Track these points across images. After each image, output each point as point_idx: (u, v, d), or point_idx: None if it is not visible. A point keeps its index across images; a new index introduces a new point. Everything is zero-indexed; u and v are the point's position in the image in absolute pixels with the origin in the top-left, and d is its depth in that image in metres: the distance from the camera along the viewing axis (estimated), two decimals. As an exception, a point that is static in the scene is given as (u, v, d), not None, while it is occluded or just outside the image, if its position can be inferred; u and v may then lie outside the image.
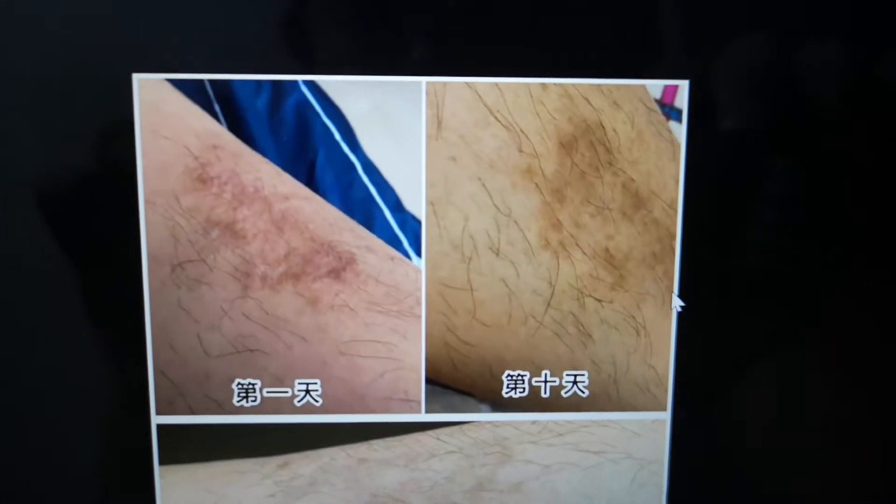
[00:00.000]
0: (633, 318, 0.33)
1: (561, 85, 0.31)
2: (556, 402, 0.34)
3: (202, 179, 0.31)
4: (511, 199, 0.32)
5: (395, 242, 0.32)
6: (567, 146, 0.32)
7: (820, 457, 0.36)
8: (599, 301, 0.33)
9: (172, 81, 0.30)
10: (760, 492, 0.36)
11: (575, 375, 0.34)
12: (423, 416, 0.33)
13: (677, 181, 0.32)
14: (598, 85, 0.31)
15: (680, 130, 0.32)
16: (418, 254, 0.32)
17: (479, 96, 0.31)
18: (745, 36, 0.32)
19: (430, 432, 0.34)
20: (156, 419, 0.32)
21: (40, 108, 0.30)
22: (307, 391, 0.33)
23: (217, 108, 0.31)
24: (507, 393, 0.34)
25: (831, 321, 0.35)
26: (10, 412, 0.33)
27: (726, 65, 0.32)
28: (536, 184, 0.32)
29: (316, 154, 0.31)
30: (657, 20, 0.31)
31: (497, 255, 0.32)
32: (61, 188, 0.31)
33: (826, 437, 0.36)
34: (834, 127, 0.33)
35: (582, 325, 0.33)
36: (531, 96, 0.31)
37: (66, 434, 0.33)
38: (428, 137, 0.31)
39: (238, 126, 0.31)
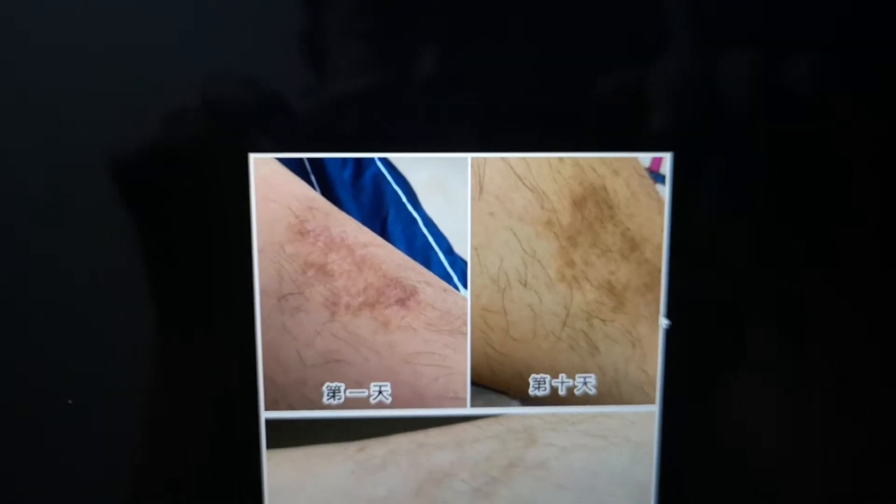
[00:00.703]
0: (630, 333, 0.35)
1: (573, 157, 0.34)
2: (570, 399, 0.36)
3: (301, 232, 0.34)
4: (535, 244, 0.34)
5: (447, 278, 0.34)
6: (578, 204, 0.34)
7: (787, 439, 0.37)
8: (604, 321, 0.35)
9: (279, 159, 0.33)
10: (736, 468, 0.37)
11: (585, 378, 0.36)
12: (468, 410, 0.35)
13: (662, 230, 0.35)
14: (601, 157, 0.34)
15: (664, 191, 0.34)
16: (465, 286, 0.34)
17: (511, 167, 0.34)
18: (717, 118, 0.34)
19: (473, 423, 0.36)
20: (264, 414, 0.35)
21: (178, 178, 0.33)
22: (380, 392, 0.35)
23: (313, 178, 0.33)
24: (532, 392, 0.36)
25: (792, 337, 0.36)
26: (154, 410, 0.35)
27: (700, 142, 0.34)
28: (555, 233, 0.34)
29: (387, 212, 0.34)
30: (647, 109, 0.34)
31: (525, 286, 0.35)
32: (195, 241, 0.34)
33: (790, 421, 0.37)
34: (790, 183, 0.35)
35: (590, 340, 0.35)
36: (550, 166, 0.34)
37: (196, 427, 0.36)
38: (472, 199, 0.34)
39: (329, 192, 0.34)
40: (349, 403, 0.35)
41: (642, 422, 0.36)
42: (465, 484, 0.36)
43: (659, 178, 0.34)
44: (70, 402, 0.35)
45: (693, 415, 0.37)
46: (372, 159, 0.34)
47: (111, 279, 0.34)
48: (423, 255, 0.34)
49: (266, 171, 0.33)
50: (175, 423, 0.36)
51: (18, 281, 0.34)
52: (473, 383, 0.35)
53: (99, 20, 0.32)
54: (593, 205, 0.34)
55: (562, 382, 0.36)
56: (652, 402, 0.36)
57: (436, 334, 0.35)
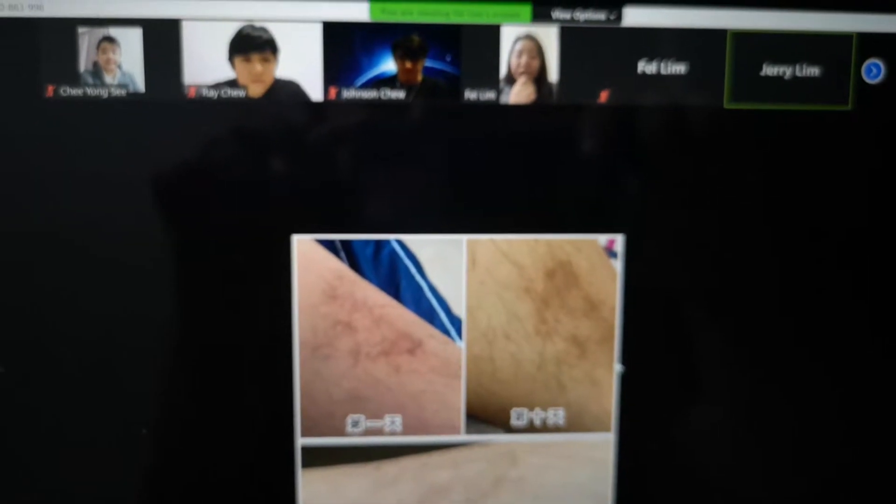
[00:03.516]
0: (591, 376, 0.39)
1: (546, 239, 0.38)
2: (544, 428, 0.39)
3: (332, 296, 0.38)
4: (517, 305, 0.38)
5: (447, 333, 0.38)
6: (550, 274, 0.38)
7: (731, 455, 0.40)
8: (570, 366, 0.39)
9: (316, 240, 0.37)
10: (680, 482, 0.40)
11: (555, 411, 0.39)
12: (463, 437, 0.38)
13: (615, 295, 0.38)
14: (568, 238, 0.38)
15: (617, 264, 0.38)
16: (461, 339, 0.38)
17: (498, 246, 0.37)
18: (659, 207, 0.38)
19: (467, 447, 0.39)
20: (300, 440, 0.38)
21: (236, 254, 0.37)
22: (393, 422, 0.38)
23: (342, 255, 0.37)
24: (514, 422, 0.39)
25: (730, 377, 0.40)
26: (207, 439, 0.38)
27: (646, 226, 0.38)
28: (532, 297, 0.38)
29: (400, 281, 0.37)
30: (604, 200, 0.38)
31: (508, 339, 0.38)
32: (247, 300, 0.38)
33: (733, 444, 0.40)
34: (724, 254, 0.38)
35: (560, 381, 0.39)
36: (528, 246, 0.38)
37: (239, 452, 0.39)
38: (468, 271, 0.37)
39: (354, 265, 0.37)
40: (368, 432, 0.38)
41: (601, 446, 0.40)
42: (460, 496, 0.39)
43: (613, 255, 0.38)
44: (144, 431, 0.38)
45: (642, 440, 0.40)
46: (388, 240, 0.38)
47: (176, 334, 0.37)
48: (428, 314, 0.38)
49: (305, 249, 0.37)
50: (226, 450, 0.39)
51: (90, 331, 0.37)
52: (467, 415, 0.39)
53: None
54: (562, 275, 0.38)
55: (537, 415, 0.39)
56: (608, 430, 0.39)
57: (437, 377, 0.38)
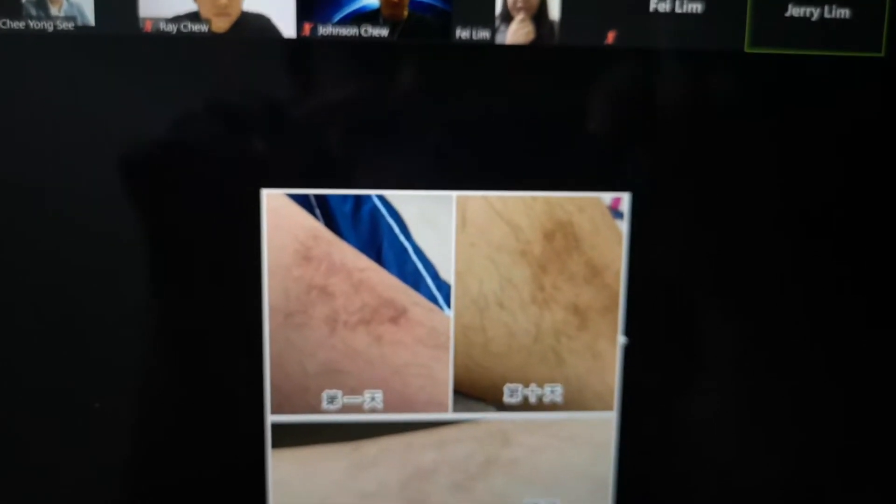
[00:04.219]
0: (592, 349, 0.37)
1: (545, 196, 0.36)
2: (540, 405, 0.37)
3: (306, 258, 0.36)
4: (511, 270, 0.36)
5: (433, 300, 0.36)
6: (549, 236, 0.36)
7: (737, 439, 0.39)
8: (569, 337, 0.37)
9: (289, 195, 0.35)
10: (685, 466, 0.39)
11: (553, 387, 0.37)
12: (451, 415, 0.37)
13: (621, 259, 0.36)
14: (569, 196, 0.36)
15: (623, 226, 0.36)
16: (449, 307, 0.36)
17: (491, 204, 0.36)
18: (670, 164, 0.36)
19: (455, 426, 0.37)
20: (270, 417, 0.36)
21: (200, 209, 0.35)
22: (373, 398, 0.37)
23: (317, 212, 0.35)
24: (507, 399, 0.37)
25: (737, 353, 0.38)
26: (169, 414, 0.37)
27: (654, 184, 0.36)
28: (528, 261, 0.36)
29: (382, 241, 0.36)
30: (610, 155, 0.36)
31: (501, 307, 0.36)
32: (210, 262, 0.36)
33: (739, 425, 0.39)
34: (738, 217, 0.37)
35: (558, 354, 0.37)
36: (525, 204, 0.36)
37: (204, 429, 0.37)
38: (457, 231, 0.36)
39: (331, 223, 0.35)
40: (345, 408, 0.37)
41: (602, 425, 0.38)
42: (447, 479, 0.38)
43: (618, 215, 0.36)
44: (97, 405, 0.37)
45: (647, 420, 0.38)
46: (369, 196, 0.36)
47: (134, 296, 0.36)
48: (413, 279, 0.36)
49: (276, 205, 0.35)
50: (188, 427, 0.37)
51: (44, 292, 0.36)
52: (455, 391, 0.37)
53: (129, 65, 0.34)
54: (561, 237, 0.36)
55: (532, 391, 0.37)
56: (611, 408, 0.38)
57: (423, 348, 0.37)
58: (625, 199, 0.36)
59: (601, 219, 0.36)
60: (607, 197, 0.36)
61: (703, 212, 0.37)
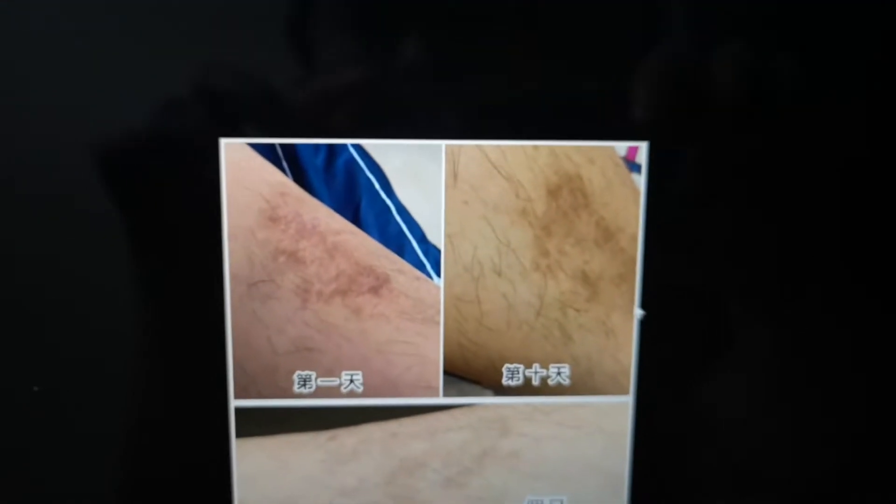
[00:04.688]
0: (604, 323, 0.36)
1: (548, 146, 0.34)
2: (544, 389, 0.36)
3: (272, 218, 0.34)
4: (510, 233, 0.34)
5: (420, 266, 0.34)
6: (553, 193, 0.34)
7: (761, 427, 0.38)
8: (578, 311, 0.35)
9: (251, 144, 0.33)
10: (712, 460, 0.38)
11: (559, 368, 0.36)
12: (441, 400, 0.35)
13: (638, 219, 0.35)
14: (577, 146, 0.34)
15: (640, 181, 0.34)
16: (438, 275, 0.34)
17: (486, 155, 0.34)
18: (695, 108, 0.34)
19: (447, 412, 0.36)
20: (233, 402, 0.35)
21: (147, 162, 0.33)
22: (351, 380, 0.35)
23: (284, 164, 0.33)
24: (506, 381, 0.36)
25: (769, 327, 0.37)
26: (115, 396, 0.35)
27: (677, 131, 0.34)
28: (530, 222, 0.34)
29: (360, 199, 0.34)
30: (623, 96, 0.34)
31: (499, 275, 0.35)
32: (164, 224, 0.34)
33: (767, 412, 0.37)
34: (767, 174, 0.35)
35: (564, 329, 0.35)
36: (526, 155, 0.34)
37: (160, 415, 0.35)
38: (447, 186, 0.34)
39: (301, 178, 0.33)
40: (320, 392, 0.35)
41: (616, 412, 0.36)
42: (437, 473, 0.36)
43: (634, 168, 0.34)
44: (35, 388, 0.35)
45: (667, 405, 0.37)
46: (345, 145, 0.34)
47: (76, 262, 0.34)
48: (396, 242, 0.34)
49: (237, 157, 0.33)
50: (141, 411, 0.36)
51: None
52: (446, 373, 0.35)
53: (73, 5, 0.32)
54: (568, 194, 0.34)
55: (535, 372, 0.36)
56: (626, 392, 0.36)
57: (408, 323, 0.35)
58: (642, 149, 0.34)
59: (614, 172, 0.34)
60: (622, 146, 0.34)
61: (733, 165, 0.35)
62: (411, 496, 0.36)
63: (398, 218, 0.34)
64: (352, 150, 0.34)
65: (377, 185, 0.34)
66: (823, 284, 0.36)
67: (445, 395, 0.36)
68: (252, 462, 0.36)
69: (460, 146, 0.34)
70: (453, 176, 0.34)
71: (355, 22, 0.33)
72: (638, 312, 0.36)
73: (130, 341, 0.35)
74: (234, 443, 0.36)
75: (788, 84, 0.34)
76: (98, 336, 0.35)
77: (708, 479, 0.38)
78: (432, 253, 0.35)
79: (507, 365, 0.36)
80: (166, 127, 0.33)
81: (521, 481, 0.37)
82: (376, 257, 0.35)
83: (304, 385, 0.35)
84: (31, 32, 0.32)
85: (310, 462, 0.36)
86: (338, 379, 0.35)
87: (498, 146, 0.34)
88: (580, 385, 0.36)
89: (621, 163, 0.34)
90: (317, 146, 0.34)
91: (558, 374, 0.36)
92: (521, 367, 0.36)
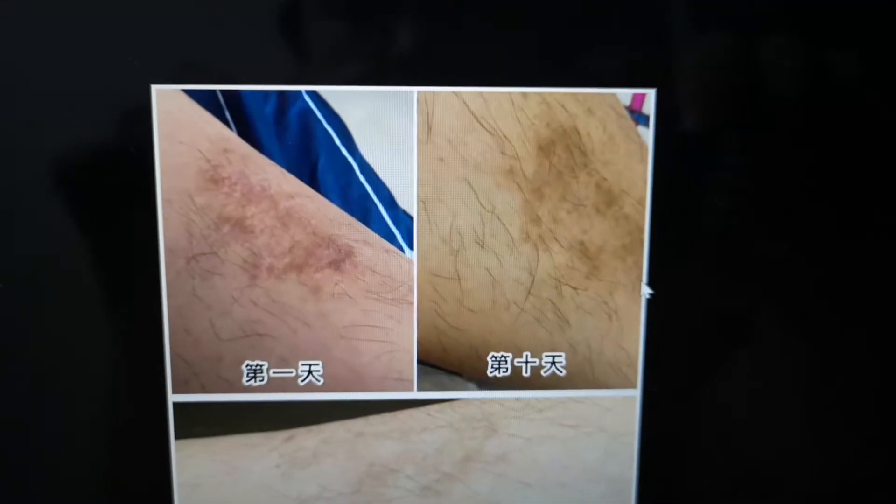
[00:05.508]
0: (606, 304, 0.34)
1: (539, 93, 0.33)
2: (536, 381, 0.35)
3: (214, 180, 0.32)
4: (495, 197, 0.33)
5: (389, 236, 0.33)
6: (545, 149, 0.33)
7: (783, 429, 0.37)
8: (575, 289, 0.34)
9: (187, 92, 0.32)
10: (727, 462, 0.37)
11: (553, 357, 0.35)
12: (416, 394, 0.35)
13: (645, 180, 0.34)
14: (574, 93, 0.33)
15: (647, 134, 0.33)
16: (411, 247, 0.33)
17: (466, 104, 0.32)
18: (708, 46, 0.33)
19: (422, 409, 0.35)
20: (172, 397, 0.34)
21: (64, 114, 0.31)
22: (310, 371, 0.34)
23: (228, 115, 0.32)
24: (491, 373, 0.35)
25: (792, 304, 0.36)
26: (32, 391, 0.34)
27: (690, 74, 0.33)
28: (518, 183, 0.33)
29: (318, 157, 0.33)
30: (626, 33, 0.33)
31: (482, 247, 0.34)
32: (83, 187, 0.32)
33: (788, 411, 0.37)
34: (790, 124, 0.34)
35: (559, 311, 0.34)
36: (513, 104, 0.32)
37: (85, 411, 0.34)
38: (419, 142, 0.33)
39: (247, 132, 0.32)
40: (273, 385, 0.34)
41: (620, 408, 0.36)
42: (412, 481, 0.35)
43: (641, 119, 0.33)
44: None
45: (680, 401, 0.36)
46: (299, 93, 0.33)
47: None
48: (360, 208, 0.33)
49: (171, 106, 0.32)
50: (65, 409, 0.35)
51: None
52: (421, 362, 0.35)
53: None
54: (563, 150, 0.33)
55: (526, 362, 0.35)
56: (632, 385, 0.36)
57: (376, 303, 0.34)
58: (650, 97, 0.33)
59: (617, 124, 0.33)
60: (626, 94, 0.33)
61: (754, 113, 0.34)
62: (382, 507, 0.35)
63: (362, 179, 0.33)
64: (307, 99, 0.33)
65: (337, 141, 0.33)
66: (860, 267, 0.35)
67: (420, 388, 0.35)
68: (195, 467, 0.35)
69: (434, 93, 0.33)
70: (427, 129, 0.33)
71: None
72: (646, 291, 0.35)
73: (49, 328, 0.33)
74: (174, 445, 0.34)
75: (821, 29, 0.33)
76: (10, 322, 0.33)
77: (726, 485, 0.37)
78: (403, 220, 0.34)
79: (492, 353, 0.35)
80: (88, 73, 0.32)
81: (511, 490, 0.36)
82: (337, 226, 0.33)
83: (255, 377, 0.34)
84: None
85: (263, 467, 0.35)
86: (294, 370, 0.34)
87: (479, 93, 0.33)
88: (578, 377, 0.36)
89: (625, 113, 0.33)
90: (266, 93, 0.32)
91: (552, 363, 0.35)
92: (509, 355, 0.35)
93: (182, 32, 0.31)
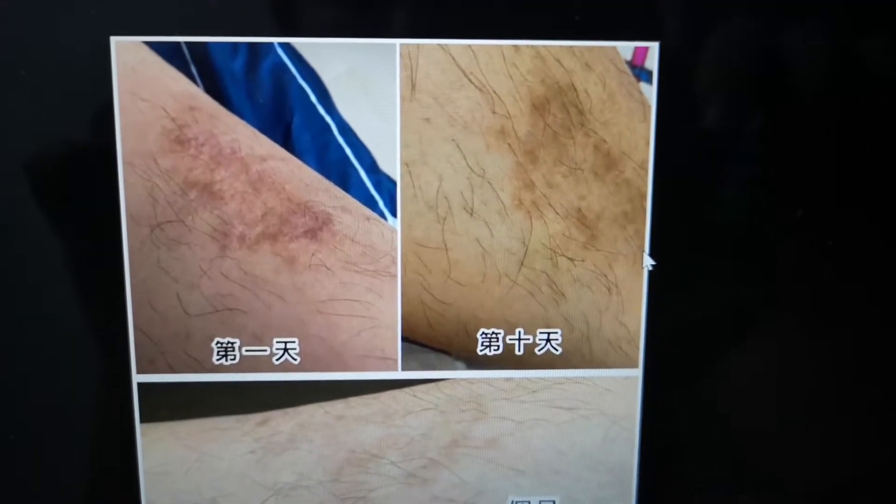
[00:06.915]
0: (605, 276, 0.34)
1: (533, 47, 0.32)
2: (529, 360, 0.34)
3: (180, 141, 0.31)
4: (485, 159, 0.32)
5: (370, 203, 0.33)
6: (539, 107, 0.32)
7: (789, 413, 0.36)
8: (572, 260, 0.33)
9: (150, 44, 0.30)
10: (733, 448, 0.36)
11: (548, 333, 0.34)
12: (400, 374, 0.34)
13: (648, 142, 0.33)
14: (570, 47, 0.32)
15: (650, 92, 0.32)
16: (394, 214, 0.33)
17: (453, 58, 0.31)
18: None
19: (407, 389, 0.34)
20: (136, 377, 0.33)
21: (16, 71, 0.30)
22: (285, 349, 0.33)
23: (194, 70, 0.31)
24: (481, 351, 0.34)
25: (801, 280, 0.35)
26: None
27: (697, 25, 0.32)
28: (510, 144, 0.32)
29: (292, 116, 0.32)
30: None
31: (471, 215, 0.33)
32: (39, 150, 0.31)
33: (795, 393, 0.36)
34: (803, 89, 0.33)
35: (555, 284, 0.34)
36: (504, 58, 0.31)
37: (45, 394, 0.33)
38: (402, 99, 0.32)
39: (215, 88, 0.31)
40: (246, 364, 0.34)
41: (620, 389, 0.35)
42: (395, 467, 0.35)
43: (643, 75, 0.33)
44: None
45: (685, 381, 0.35)
46: (271, 45, 0.32)
47: None
48: (338, 172, 0.33)
49: (132, 59, 0.31)
50: (21, 391, 0.34)
51: None
52: (405, 339, 0.34)
53: None
54: (558, 109, 0.32)
55: (518, 339, 0.35)
56: (633, 364, 0.35)
57: (357, 276, 0.33)
58: (653, 51, 0.32)
59: (618, 81, 0.32)
60: (627, 48, 0.32)
61: (766, 67, 0.33)
62: (363, 495, 0.34)
63: (341, 140, 0.32)
64: (280, 52, 0.32)
65: (313, 98, 0.32)
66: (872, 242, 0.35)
67: (405, 368, 0.34)
68: (162, 453, 0.34)
69: (419, 46, 0.32)
70: (410, 85, 0.32)
71: None
72: (648, 262, 0.34)
73: (11, 305, 0.33)
74: (139, 428, 0.34)
75: None
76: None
77: (732, 472, 0.37)
78: (385, 185, 0.33)
79: (482, 330, 0.35)
80: (41, 24, 0.31)
81: (502, 477, 0.35)
82: (314, 191, 0.33)
83: (226, 355, 0.34)
84: None
85: (235, 453, 0.34)
86: (268, 348, 0.34)
87: (467, 46, 0.32)
88: (575, 355, 0.35)
89: (626, 69, 0.33)
90: (235, 46, 0.31)
91: (547, 341, 0.35)
92: (501, 332, 0.35)
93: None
